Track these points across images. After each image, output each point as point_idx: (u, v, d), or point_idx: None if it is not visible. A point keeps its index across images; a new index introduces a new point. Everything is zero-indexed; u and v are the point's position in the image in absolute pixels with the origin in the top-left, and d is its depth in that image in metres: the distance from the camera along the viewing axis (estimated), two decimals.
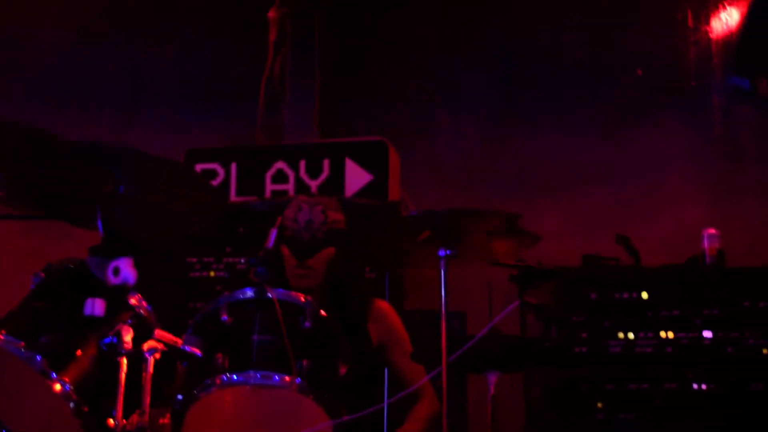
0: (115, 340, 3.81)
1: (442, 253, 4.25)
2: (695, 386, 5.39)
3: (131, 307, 4.04)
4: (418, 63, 7.96)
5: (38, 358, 3.79)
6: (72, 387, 3.80)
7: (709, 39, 6.33)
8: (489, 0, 7.95)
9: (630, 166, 7.41)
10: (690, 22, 6.73)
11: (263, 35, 7.58)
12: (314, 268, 4.68)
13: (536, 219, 5.17)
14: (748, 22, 2.92)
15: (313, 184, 6.53)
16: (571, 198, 7.35)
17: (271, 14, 7.54)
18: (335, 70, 7.88)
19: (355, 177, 6.48)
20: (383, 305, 4.89)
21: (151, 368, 3.86)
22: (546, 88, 7.68)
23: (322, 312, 4.02)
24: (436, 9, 7.97)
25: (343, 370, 4.10)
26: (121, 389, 3.79)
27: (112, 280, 3.92)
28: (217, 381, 3.88)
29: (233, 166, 6.66)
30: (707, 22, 6.33)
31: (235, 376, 3.89)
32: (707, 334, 5.44)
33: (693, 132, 7.18)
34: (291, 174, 6.59)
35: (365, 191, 6.43)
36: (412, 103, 7.88)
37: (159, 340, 3.90)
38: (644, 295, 5.55)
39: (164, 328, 3.94)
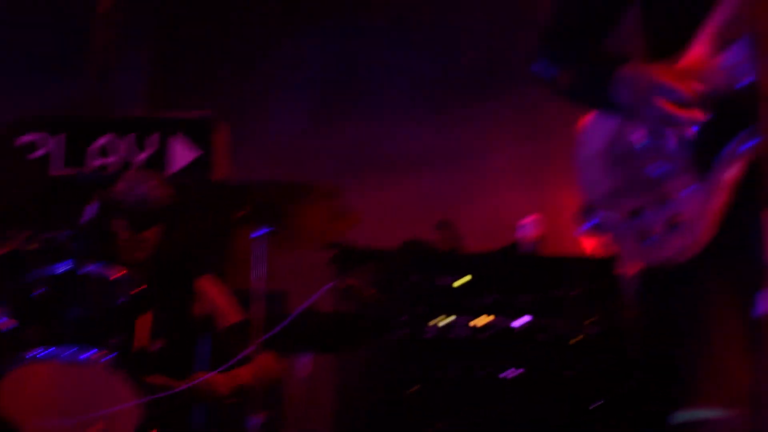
0: None
1: (260, 230, 4.26)
2: (508, 372, 5.50)
3: None
4: (255, 39, 7.92)
5: None
6: None
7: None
8: None
9: (458, 151, 7.52)
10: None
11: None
12: (147, 240, 4.66)
13: (364, 201, 5.21)
14: (555, 12, 2.99)
15: (140, 158, 6.45)
16: (398, 181, 7.42)
17: None
18: (169, 43, 7.79)
19: (182, 153, 6.43)
20: (207, 279, 4.89)
21: None
22: (382, 68, 7.72)
23: (140, 286, 4.01)
24: None
25: (159, 344, 4.10)
26: None
27: None
28: (29, 356, 3.85)
29: (61, 138, 6.53)
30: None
31: (46, 351, 3.86)
32: (521, 321, 5.56)
33: (521, 120, 7.33)
34: (117, 147, 6.50)
35: (191, 167, 6.39)
36: (247, 80, 7.84)
37: None
38: (463, 280, 5.64)
39: None
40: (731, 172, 2.51)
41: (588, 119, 2.90)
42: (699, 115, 2.54)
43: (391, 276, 5.66)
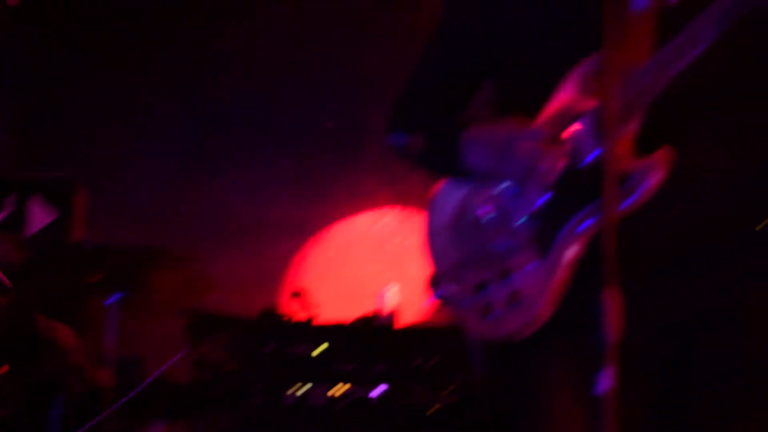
0: None
1: (114, 295, 4.21)
2: None
3: None
4: (116, 100, 7.85)
5: None
6: None
7: None
8: (183, 40, 7.87)
9: (316, 219, 7.53)
10: None
11: None
12: None
13: (221, 267, 5.18)
14: (408, 81, 3.03)
15: None
16: (256, 248, 7.39)
17: None
18: (28, 104, 7.69)
19: (40, 214, 6.33)
20: (65, 334, 4.82)
21: None
22: (242, 134, 7.71)
23: None
24: (144, 43, 7.87)
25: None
26: None
27: None
28: None
29: None
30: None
31: None
32: (378, 390, 5.57)
33: (381, 190, 7.38)
34: None
35: (48, 229, 6.29)
36: (107, 142, 7.76)
37: None
38: (320, 348, 5.63)
39: None
40: (572, 250, 2.56)
41: (437, 190, 2.93)
42: (561, 160, 2.58)
43: (247, 344, 5.63)
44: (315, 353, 5.62)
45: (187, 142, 7.78)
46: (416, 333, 5.73)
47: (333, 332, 5.71)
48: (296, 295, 6.01)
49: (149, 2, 7.76)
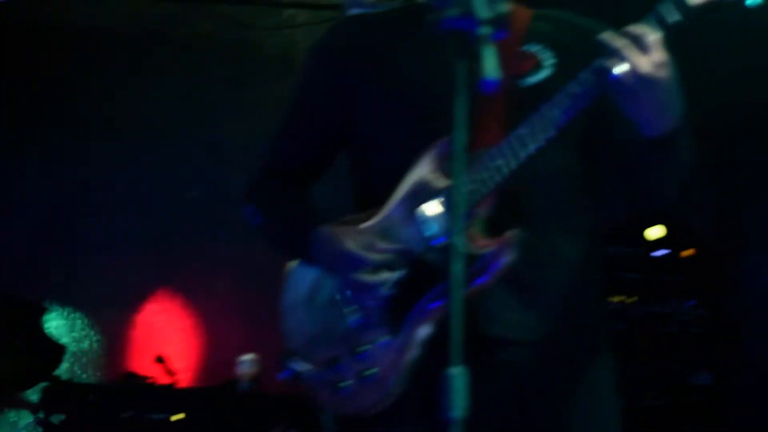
0: None
1: None
2: None
3: None
4: None
5: None
6: None
7: None
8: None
9: (177, 287, 7.48)
10: None
11: None
12: None
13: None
14: (261, 159, 3.08)
15: None
16: (118, 315, 7.30)
17: None
18: None
19: None
20: None
21: None
22: (103, 201, 7.63)
23: None
24: None
25: None
26: None
27: None
28: None
29: None
30: None
31: None
32: None
33: (240, 259, 7.35)
34: None
35: None
36: None
37: None
38: (179, 415, 5.59)
39: None
40: (424, 329, 2.60)
41: (292, 266, 2.95)
42: (390, 279, 2.63)
43: (106, 410, 5.57)
44: (174, 419, 5.57)
45: (46, 203, 7.66)
46: (275, 401, 5.72)
47: (193, 398, 5.67)
48: (159, 360, 5.97)
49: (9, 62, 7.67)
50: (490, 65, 1.94)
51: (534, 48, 2.78)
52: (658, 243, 7.66)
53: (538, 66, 2.74)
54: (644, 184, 2.72)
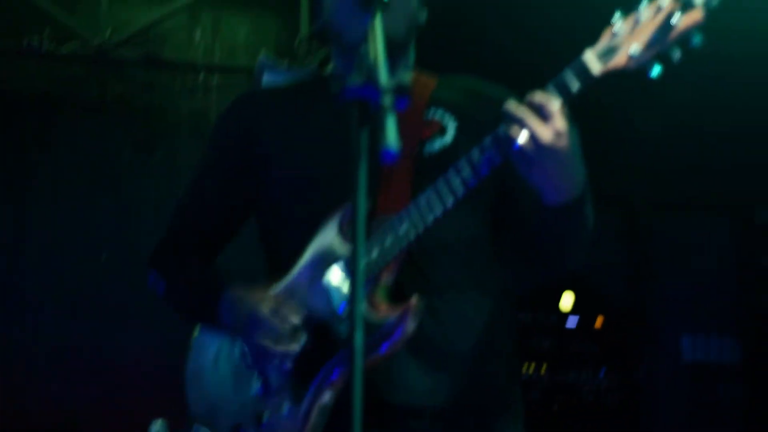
0: None
1: None
2: None
3: None
4: None
5: None
6: None
7: None
8: None
9: (87, 349, 7.36)
10: None
11: None
12: None
13: None
14: (167, 226, 3.08)
15: None
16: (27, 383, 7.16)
17: None
18: None
19: None
20: None
21: None
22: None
23: None
24: None
25: None
26: None
27: None
28: None
29: None
30: None
31: None
32: None
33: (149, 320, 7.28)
34: None
35: None
36: None
37: None
38: None
39: None
40: (325, 397, 2.58)
41: (197, 333, 2.93)
42: (294, 347, 2.61)
43: None
44: None
45: None
46: None
47: None
48: None
49: None
50: (391, 135, 1.95)
51: (437, 114, 2.81)
52: (570, 311, 7.72)
53: (441, 132, 2.77)
54: (549, 251, 2.74)
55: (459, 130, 2.77)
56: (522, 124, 2.41)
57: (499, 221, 2.82)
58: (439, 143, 2.75)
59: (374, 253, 2.57)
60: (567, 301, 7.72)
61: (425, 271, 2.68)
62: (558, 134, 2.41)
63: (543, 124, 2.40)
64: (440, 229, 2.58)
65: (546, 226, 2.62)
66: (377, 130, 2.02)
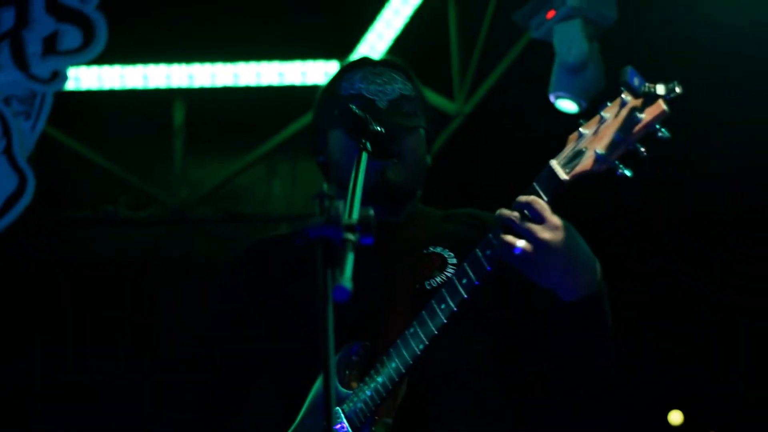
0: None
1: None
2: None
3: None
4: None
5: None
6: None
7: None
8: None
9: None
10: None
11: None
12: None
13: None
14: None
15: None
16: None
17: None
18: None
19: None
20: None
21: None
22: None
23: None
24: None
25: None
26: None
27: None
28: None
29: None
30: None
31: None
32: None
33: None
34: None
35: None
36: None
37: None
38: None
39: None
40: None
41: None
42: None
43: None
44: None
45: None
46: None
47: None
48: None
49: None
50: (347, 273, 1.90)
51: (439, 249, 2.77)
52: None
53: (443, 266, 2.73)
54: (572, 354, 2.63)
55: (458, 264, 2.71)
56: (518, 228, 2.37)
57: (520, 340, 2.75)
58: (440, 277, 2.70)
59: (368, 394, 2.53)
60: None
61: (426, 403, 2.61)
62: (554, 228, 2.37)
63: (536, 223, 2.36)
64: (439, 356, 2.53)
65: (565, 327, 2.54)
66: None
